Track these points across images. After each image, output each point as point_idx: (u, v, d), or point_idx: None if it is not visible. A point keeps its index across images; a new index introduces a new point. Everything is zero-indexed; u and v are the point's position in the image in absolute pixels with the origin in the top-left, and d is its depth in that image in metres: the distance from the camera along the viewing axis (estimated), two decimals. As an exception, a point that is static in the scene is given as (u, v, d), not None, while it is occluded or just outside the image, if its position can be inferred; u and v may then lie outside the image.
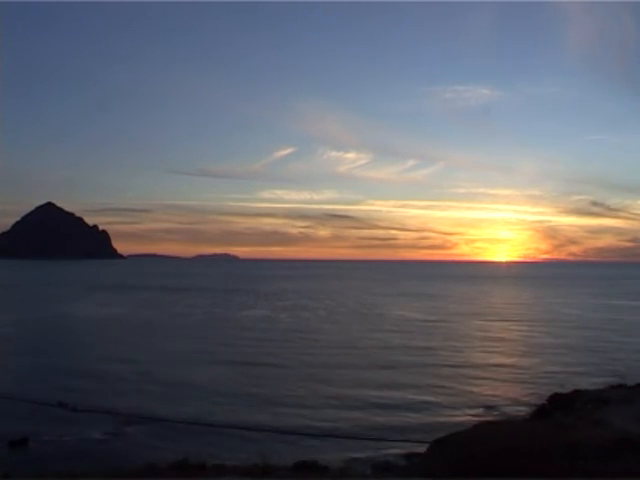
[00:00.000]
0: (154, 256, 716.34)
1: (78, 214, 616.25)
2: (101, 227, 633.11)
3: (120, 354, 51.21)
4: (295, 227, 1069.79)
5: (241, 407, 33.46)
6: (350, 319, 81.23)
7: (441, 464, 13.29)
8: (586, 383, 35.35)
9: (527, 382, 41.00)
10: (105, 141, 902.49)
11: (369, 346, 56.74)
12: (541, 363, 48.64)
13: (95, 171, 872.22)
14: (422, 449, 18.00)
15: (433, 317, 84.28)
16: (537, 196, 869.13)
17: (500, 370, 45.74)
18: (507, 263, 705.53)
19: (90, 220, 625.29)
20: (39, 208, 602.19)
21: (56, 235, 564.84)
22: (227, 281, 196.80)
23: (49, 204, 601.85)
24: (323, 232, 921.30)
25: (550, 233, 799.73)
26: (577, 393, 25.78)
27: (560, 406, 21.80)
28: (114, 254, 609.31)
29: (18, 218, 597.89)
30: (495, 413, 32.25)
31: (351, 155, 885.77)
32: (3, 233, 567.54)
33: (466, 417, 31.25)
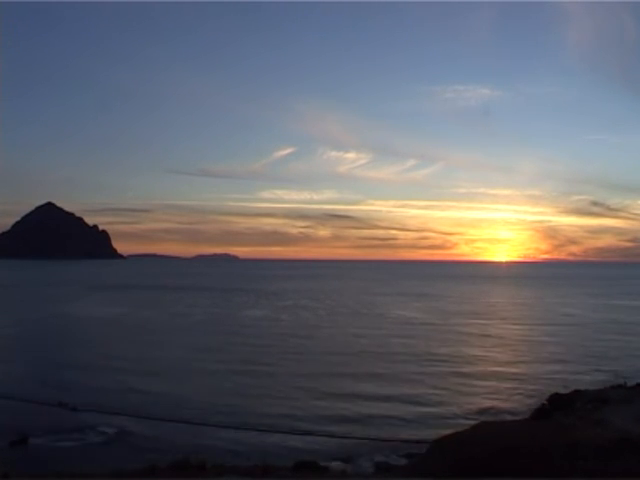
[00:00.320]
0: (154, 256, 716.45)
1: (78, 214, 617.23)
2: (101, 227, 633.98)
3: (120, 354, 51.20)
4: (295, 227, 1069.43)
5: (240, 407, 33.46)
6: (350, 319, 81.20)
7: (441, 464, 13.30)
8: (586, 383, 35.37)
9: (527, 382, 40.99)
10: (105, 141, 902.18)
11: (370, 346, 56.73)
12: (541, 363, 48.64)
13: (95, 171, 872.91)
14: (422, 449, 18.03)
15: (433, 317, 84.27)
16: (537, 196, 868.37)
17: (500, 370, 45.73)
18: (507, 263, 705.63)
19: (90, 220, 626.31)
20: (39, 208, 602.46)
21: (56, 235, 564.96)
22: (227, 281, 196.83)
23: (49, 204, 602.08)
24: (323, 232, 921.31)
25: (550, 233, 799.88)
26: (577, 393, 25.80)
27: (560, 406, 21.82)
28: (114, 254, 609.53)
29: (18, 218, 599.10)
30: (495, 413, 32.25)
31: (351, 155, 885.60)
32: (3, 233, 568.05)
33: (466, 417, 31.26)
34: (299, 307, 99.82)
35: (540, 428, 15.83)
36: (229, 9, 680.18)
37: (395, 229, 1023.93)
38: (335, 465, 20.65)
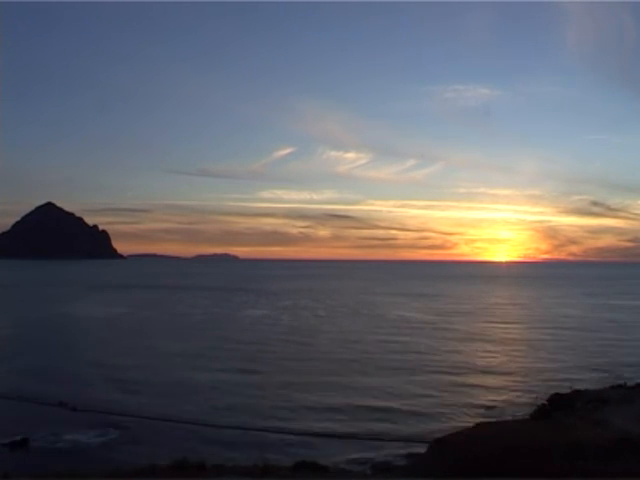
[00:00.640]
0: (154, 256, 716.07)
1: (78, 214, 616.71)
2: (101, 227, 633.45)
3: (120, 354, 51.22)
4: (295, 227, 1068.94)
5: (240, 407, 33.47)
6: (351, 319, 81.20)
7: (441, 464, 13.30)
8: (586, 383, 35.34)
9: (527, 382, 40.99)
10: (105, 141, 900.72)
11: (370, 345, 56.73)
12: (541, 363, 48.62)
13: (95, 171, 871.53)
14: (422, 449, 18.03)
15: (433, 317, 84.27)
16: (537, 196, 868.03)
17: (500, 370, 45.73)
18: (507, 263, 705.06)
19: (90, 220, 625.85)
20: (39, 208, 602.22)
21: (56, 235, 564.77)
22: (227, 281, 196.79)
23: (49, 204, 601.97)
24: (323, 232, 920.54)
25: (550, 233, 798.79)
26: (577, 393, 25.77)
27: (560, 406, 21.78)
28: (114, 254, 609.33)
29: (18, 218, 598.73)
30: (495, 413, 32.23)
31: (351, 155, 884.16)
32: (3, 233, 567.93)
33: (466, 417, 31.26)
34: (299, 307, 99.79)
35: (540, 428, 15.83)
36: (229, 9, 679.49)
37: (395, 229, 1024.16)
38: (335, 465, 20.62)
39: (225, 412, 32.01)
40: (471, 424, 19.94)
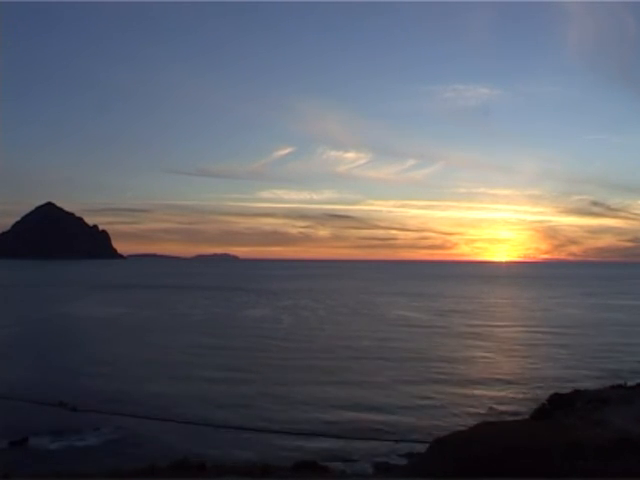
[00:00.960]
0: (154, 256, 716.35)
1: (78, 214, 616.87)
2: (101, 227, 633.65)
3: (120, 354, 51.22)
4: (295, 227, 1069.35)
5: (240, 407, 33.47)
6: (351, 319, 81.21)
7: (441, 464, 13.30)
8: (586, 383, 35.34)
9: (527, 382, 40.99)
10: (105, 141, 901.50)
11: (370, 344, 56.74)
12: (541, 363, 48.63)
13: (95, 171, 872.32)
14: (422, 449, 18.02)
15: (432, 318, 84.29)
16: (537, 196, 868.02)
17: (500, 370, 45.73)
18: (507, 263, 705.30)
19: (90, 220, 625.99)
20: (39, 208, 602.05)
21: (56, 235, 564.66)
22: (227, 281, 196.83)
23: (49, 204, 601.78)
24: (323, 232, 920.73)
25: (550, 233, 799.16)
26: (577, 393, 25.72)
27: (560, 406, 21.76)
28: (114, 254, 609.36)
29: (18, 218, 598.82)
30: (495, 413, 32.24)
31: (351, 155, 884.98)
32: (3, 233, 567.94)
33: (466, 417, 31.25)
34: (299, 307, 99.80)
35: (540, 428, 15.81)
36: (228, 9, 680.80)
37: (395, 229, 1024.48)
38: (335, 465, 20.63)
39: (225, 412, 32.01)
40: (471, 424, 19.93)
